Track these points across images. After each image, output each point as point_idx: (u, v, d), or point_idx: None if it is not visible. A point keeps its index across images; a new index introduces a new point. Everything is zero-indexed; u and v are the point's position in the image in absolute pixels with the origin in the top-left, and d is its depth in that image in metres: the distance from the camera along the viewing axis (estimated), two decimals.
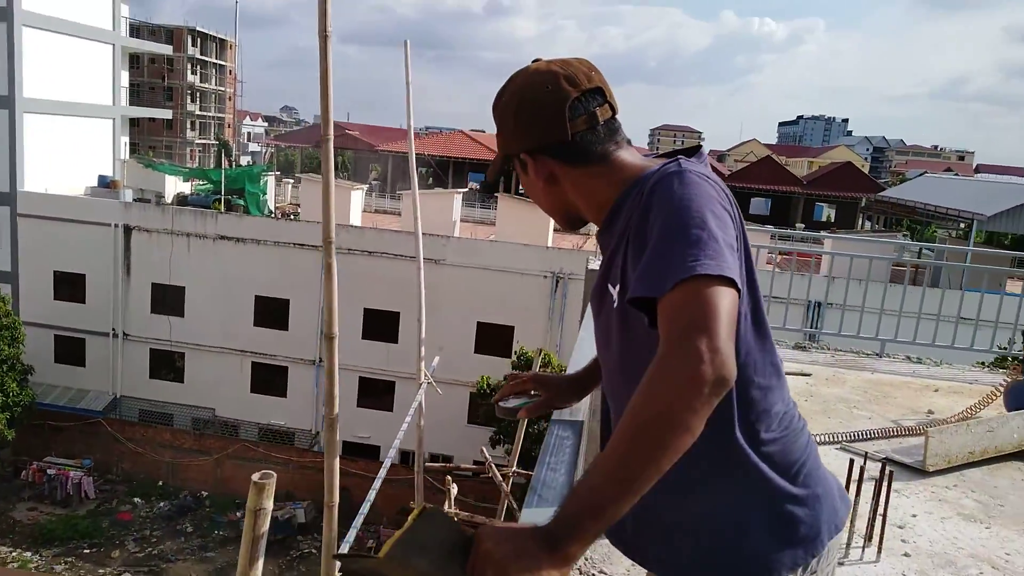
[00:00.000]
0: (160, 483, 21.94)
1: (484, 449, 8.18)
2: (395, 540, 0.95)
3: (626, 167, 1.35)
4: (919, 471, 3.88)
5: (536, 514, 1.02)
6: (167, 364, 22.90)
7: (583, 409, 1.48)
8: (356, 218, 23.75)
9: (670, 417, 0.99)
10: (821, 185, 40.45)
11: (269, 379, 22.41)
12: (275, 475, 2.18)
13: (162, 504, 21.20)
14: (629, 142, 1.41)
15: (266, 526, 2.18)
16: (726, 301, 1.06)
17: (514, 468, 8.31)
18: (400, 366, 20.32)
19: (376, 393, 21.66)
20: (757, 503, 1.25)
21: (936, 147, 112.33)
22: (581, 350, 1.76)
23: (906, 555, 3.13)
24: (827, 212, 44.30)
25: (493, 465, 7.26)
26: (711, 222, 1.12)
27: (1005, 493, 4.00)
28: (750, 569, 1.24)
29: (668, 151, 1.38)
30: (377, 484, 4.73)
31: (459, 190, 28.38)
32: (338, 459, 3.23)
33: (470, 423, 20.45)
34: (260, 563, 2.18)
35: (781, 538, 1.24)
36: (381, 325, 20.82)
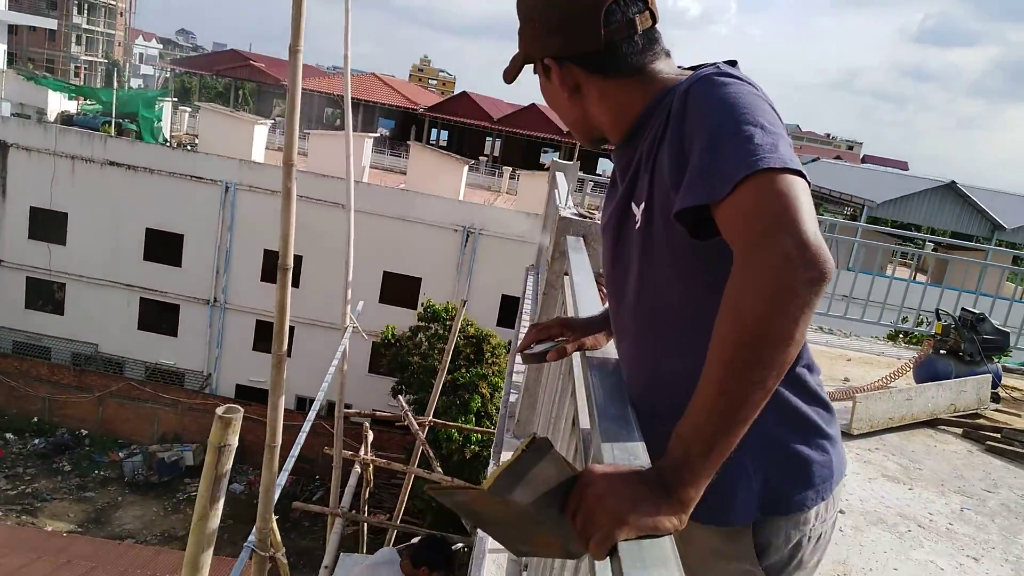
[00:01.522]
0: (35, 419, 20.68)
1: (400, 399, 8.18)
2: (500, 471, 0.88)
3: (659, 79, 1.21)
4: (843, 433, 4.13)
5: (619, 456, 0.97)
6: (45, 294, 21.42)
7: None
8: (259, 155, 22.73)
9: (769, 329, 0.88)
10: None
11: (159, 316, 21.36)
12: (241, 409, 2.07)
13: (37, 441, 20.02)
14: (668, 53, 1.25)
15: (229, 463, 2.08)
16: (801, 189, 0.94)
17: (430, 418, 8.32)
18: (301, 312, 19.79)
19: (270, 338, 21.06)
20: (800, 434, 1.19)
21: (829, 135, 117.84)
22: (583, 302, 1.71)
23: (840, 512, 3.34)
24: None
25: (410, 414, 7.24)
26: (763, 116, 1.01)
27: (921, 457, 4.33)
28: (786, 499, 1.19)
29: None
30: (306, 427, 4.62)
31: (369, 134, 27.61)
32: (283, 399, 3.12)
33: (371, 372, 20.25)
34: (221, 502, 2.08)
35: (808, 475, 1.19)
36: None
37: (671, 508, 0.87)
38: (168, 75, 52.34)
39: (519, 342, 1.53)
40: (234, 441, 1.90)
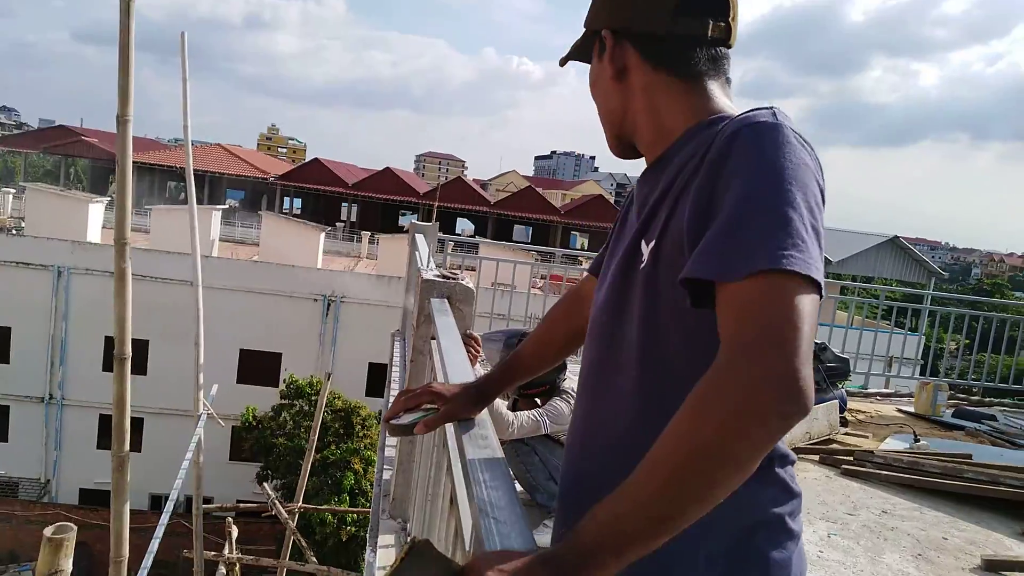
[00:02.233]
0: None
1: (266, 486, 7.67)
2: None
3: (710, 101, 1.12)
4: None
5: (504, 541, 0.90)
6: None
7: (487, 420, 1.36)
8: (95, 235, 21.25)
9: (727, 448, 0.81)
10: (576, 215, 43.39)
11: None
12: (74, 527, 1.82)
13: None
14: (728, 82, 1.16)
15: None
16: (812, 310, 0.86)
17: (299, 504, 7.85)
18: (150, 401, 18.39)
19: None
20: (763, 531, 1.11)
21: None
22: (452, 367, 1.65)
23: None
24: (580, 240, 47.78)
25: (277, 502, 6.80)
26: (805, 202, 0.91)
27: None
28: None
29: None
30: (159, 532, 4.20)
31: (217, 207, 26.58)
32: (127, 505, 2.80)
33: (232, 460, 19.03)
34: None
35: (788, 560, 1.12)
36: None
37: None
38: None
39: (386, 412, 1.42)
40: (68, 566, 1.65)
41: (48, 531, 1.61)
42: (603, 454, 1.15)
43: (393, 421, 1.35)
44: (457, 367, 1.72)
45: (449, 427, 1.42)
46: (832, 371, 5.72)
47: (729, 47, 1.15)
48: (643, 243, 1.10)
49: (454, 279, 2.78)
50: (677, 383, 0.99)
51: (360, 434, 16.31)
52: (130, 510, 4.52)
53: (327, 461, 15.22)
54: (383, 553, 2.69)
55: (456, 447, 1.30)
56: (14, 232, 23.28)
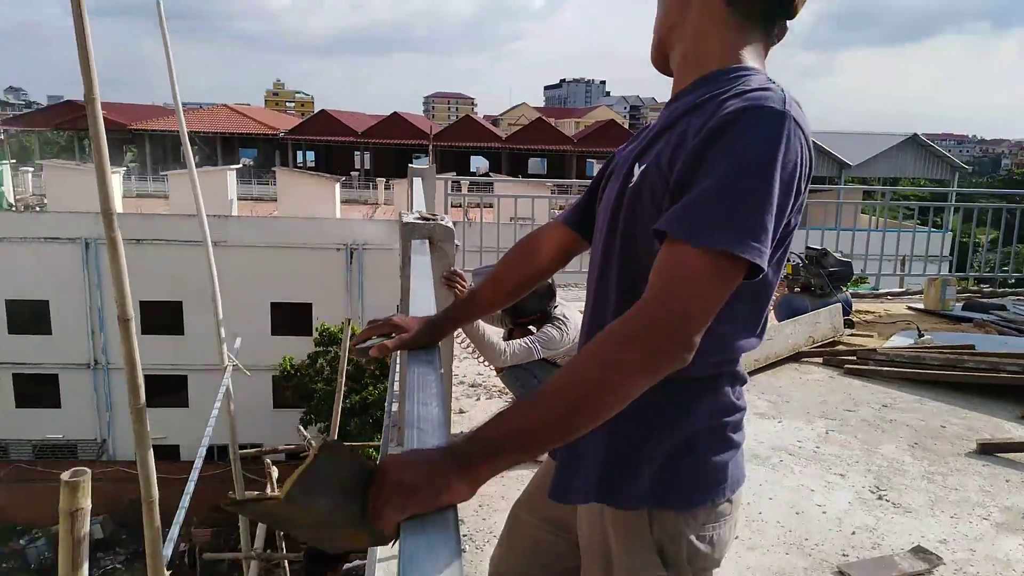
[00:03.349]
0: None
1: (301, 428, 8.03)
2: (295, 479, 0.90)
3: (749, 49, 1.20)
4: None
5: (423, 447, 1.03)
6: None
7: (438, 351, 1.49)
8: (117, 204, 21.57)
9: (616, 383, 0.98)
10: (590, 143, 42.78)
11: (37, 390, 19.99)
12: (88, 471, 2.03)
13: None
14: (768, 49, 1.24)
15: (86, 527, 2.03)
16: (727, 291, 1.03)
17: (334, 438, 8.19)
18: (191, 359, 19.00)
19: (168, 390, 20.09)
20: (707, 437, 1.24)
21: None
22: (416, 303, 1.78)
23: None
24: (597, 167, 47.37)
25: (312, 442, 7.13)
26: (773, 195, 1.04)
27: (789, 391, 4.66)
28: (697, 488, 1.24)
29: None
30: (194, 475, 4.50)
31: (232, 167, 26.75)
32: (151, 451, 3.04)
33: (277, 407, 19.68)
34: (85, 567, 2.03)
35: (705, 476, 1.24)
36: (164, 317, 19.27)
37: (463, 481, 0.92)
38: (1, 136, 48.87)
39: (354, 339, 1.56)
40: (87, 504, 1.86)
41: (65, 475, 1.81)
42: None
43: (358, 346, 1.50)
44: (419, 303, 1.84)
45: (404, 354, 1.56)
46: (834, 275, 5.77)
47: (790, 17, 1.23)
48: (636, 165, 1.21)
49: (433, 219, 2.90)
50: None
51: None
52: (184, 462, 4.82)
53: (366, 402, 15.68)
54: None
55: (399, 370, 1.44)
56: (38, 209, 23.76)
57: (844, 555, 2.87)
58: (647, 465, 1.23)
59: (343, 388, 7.80)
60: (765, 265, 1.04)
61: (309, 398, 17.08)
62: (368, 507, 0.94)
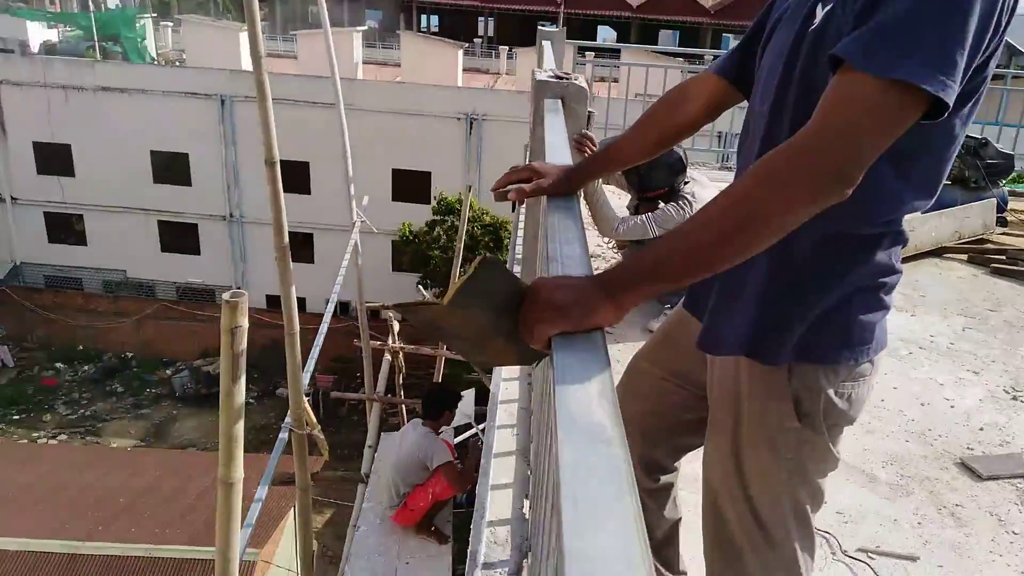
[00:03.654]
0: (80, 347, 21.47)
1: (420, 288, 8.38)
2: (458, 288, 0.95)
3: None
4: None
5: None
6: (66, 227, 21.72)
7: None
8: (247, 62, 22.20)
9: (772, 211, 0.95)
10: (727, 15, 39.88)
11: (179, 237, 21.66)
12: (245, 293, 2.20)
13: (87, 367, 20.88)
14: None
15: (244, 343, 2.22)
16: (901, 127, 0.96)
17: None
18: (317, 218, 19.92)
19: (295, 246, 21.19)
20: (859, 295, 1.21)
21: None
22: (552, 160, 1.76)
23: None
24: (733, 42, 44.21)
25: (431, 299, 7.44)
26: (971, 24, 0.95)
27: (926, 285, 4.44)
28: (842, 347, 1.22)
29: None
30: (323, 327, 4.83)
31: (358, 28, 26.76)
32: (293, 288, 3.25)
33: (395, 271, 20.54)
34: (242, 379, 2.24)
35: (851, 333, 1.22)
36: (291, 176, 20.04)
37: (610, 307, 0.94)
38: None
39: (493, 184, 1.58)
40: (244, 323, 2.03)
41: (226, 295, 1.97)
42: None
43: (498, 191, 1.53)
44: (555, 154, 1.83)
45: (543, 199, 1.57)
46: (992, 168, 5.30)
47: None
48: (819, 6, 1.13)
49: (567, 78, 2.83)
50: None
51: (508, 248, 16.99)
52: (309, 313, 5.17)
53: (408, 304, 16.11)
54: None
55: (543, 213, 1.46)
56: (177, 64, 24.80)
57: (969, 448, 2.78)
58: (799, 321, 1.22)
59: (461, 251, 8.01)
60: (951, 101, 0.95)
61: (425, 264, 17.69)
62: (521, 322, 0.98)
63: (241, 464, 2.30)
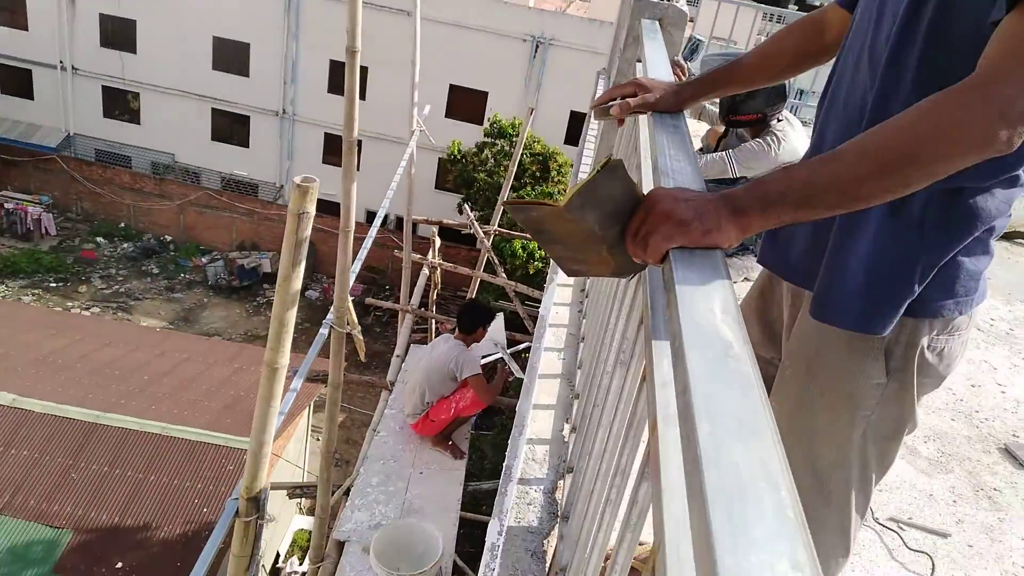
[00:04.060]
0: (122, 224, 21.92)
1: (466, 208, 8.33)
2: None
3: None
4: None
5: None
6: (121, 104, 21.89)
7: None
8: None
9: (928, 159, 0.88)
10: None
11: (231, 127, 21.72)
12: (317, 179, 2.18)
13: (126, 245, 21.35)
14: None
15: (308, 230, 2.21)
16: None
17: (495, 227, 8.49)
18: (368, 126, 19.77)
19: (339, 152, 21.29)
20: (966, 246, 1.16)
21: None
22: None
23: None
24: None
25: (475, 223, 7.40)
26: None
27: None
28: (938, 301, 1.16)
29: None
30: (373, 231, 4.82)
31: None
32: (355, 184, 3.23)
33: (438, 189, 20.48)
34: (302, 266, 2.24)
35: (954, 285, 1.18)
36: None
37: (732, 225, 0.89)
38: None
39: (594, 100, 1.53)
40: (312, 209, 2.01)
41: (297, 179, 1.94)
42: None
43: (599, 106, 1.47)
44: (656, 73, 1.76)
45: (645, 116, 1.51)
46: None
47: None
48: None
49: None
50: None
51: (555, 179, 16.80)
52: (382, 213, 5.18)
53: (522, 200, 15.97)
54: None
55: (647, 128, 1.39)
56: None
57: (1015, 436, 2.73)
58: (912, 288, 1.15)
59: (513, 172, 7.92)
60: None
61: (470, 185, 17.58)
62: (628, 233, 0.95)
63: (288, 350, 2.33)
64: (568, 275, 1.11)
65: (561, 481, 1.81)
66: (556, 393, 2.14)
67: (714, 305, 0.77)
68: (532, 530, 1.64)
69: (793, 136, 3.37)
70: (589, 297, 2.48)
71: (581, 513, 1.44)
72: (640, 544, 1.10)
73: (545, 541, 1.63)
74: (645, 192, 0.97)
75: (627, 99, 1.41)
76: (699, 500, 0.52)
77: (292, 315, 2.19)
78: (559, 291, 2.66)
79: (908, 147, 0.89)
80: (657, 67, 1.95)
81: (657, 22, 2.60)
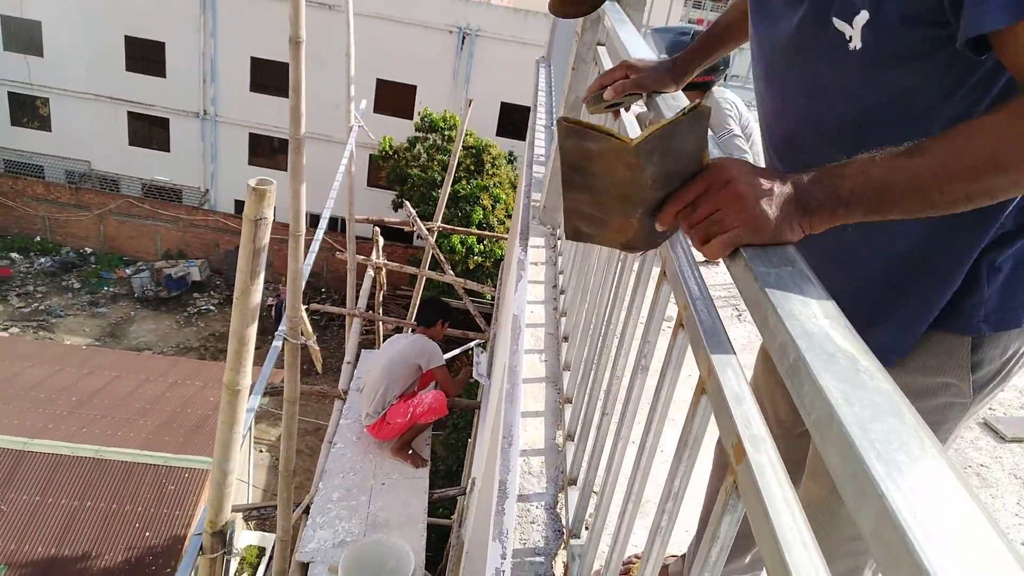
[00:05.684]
0: (38, 238, 20.80)
1: (407, 204, 8.14)
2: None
3: None
4: None
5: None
6: (30, 110, 20.73)
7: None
8: None
9: (1010, 163, 0.77)
10: None
11: (149, 131, 20.83)
12: (274, 182, 2.00)
13: (43, 260, 20.27)
14: None
15: (267, 238, 2.04)
16: None
17: (438, 223, 8.32)
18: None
19: (268, 152, 20.67)
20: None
21: None
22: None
23: None
24: None
25: (418, 220, 7.22)
26: None
27: None
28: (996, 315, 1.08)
29: None
30: (315, 246, 4.62)
31: None
32: (304, 185, 3.05)
33: (370, 186, 20.10)
34: (261, 277, 2.06)
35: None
36: (272, 77, 19.35)
37: (799, 220, 0.79)
38: None
39: (583, 93, 1.42)
40: (269, 214, 1.84)
41: (252, 182, 1.77)
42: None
43: (592, 95, 1.35)
44: (635, 52, 1.66)
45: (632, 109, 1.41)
46: None
47: None
48: (836, 21, 0.95)
49: None
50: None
51: (489, 172, 16.67)
52: (283, 222, 4.96)
53: (457, 195, 15.79)
54: (533, 252, 2.85)
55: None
56: None
57: (991, 409, 2.75)
58: (988, 279, 1.06)
59: (453, 168, 7.76)
60: None
61: (403, 181, 17.28)
62: (676, 202, 0.83)
63: (250, 370, 2.15)
64: (568, 236, 0.96)
65: (562, 495, 1.69)
66: (543, 398, 2.02)
67: (814, 310, 0.66)
68: (539, 551, 1.53)
69: (741, 108, 3.37)
70: (566, 294, 2.38)
71: (598, 532, 1.33)
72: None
73: (553, 562, 1.52)
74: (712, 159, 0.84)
75: (620, 81, 1.31)
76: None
77: (253, 331, 2.02)
78: (532, 288, 2.55)
79: (1009, 152, 0.77)
80: (632, 43, 1.86)
81: (617, 3, 2.51)
